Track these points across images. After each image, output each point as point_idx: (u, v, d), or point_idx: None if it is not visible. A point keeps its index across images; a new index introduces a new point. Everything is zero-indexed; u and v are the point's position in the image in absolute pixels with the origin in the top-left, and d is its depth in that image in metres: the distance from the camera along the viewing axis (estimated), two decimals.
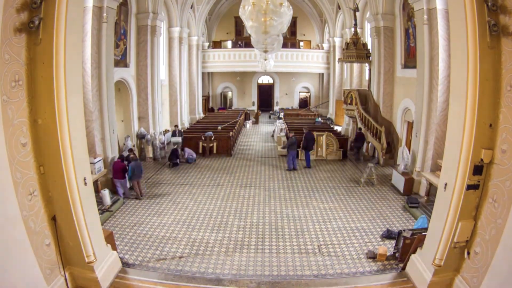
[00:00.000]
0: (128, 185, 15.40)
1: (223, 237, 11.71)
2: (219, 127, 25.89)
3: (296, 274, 9.63)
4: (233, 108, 45.49)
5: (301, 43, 42.70)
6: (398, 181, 16.13)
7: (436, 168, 14.60)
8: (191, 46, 34.03)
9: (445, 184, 7.93)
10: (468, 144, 7.16)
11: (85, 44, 13.84)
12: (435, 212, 8.57)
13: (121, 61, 19.25)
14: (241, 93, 46.36)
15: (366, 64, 24.23)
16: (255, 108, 45.46)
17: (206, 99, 41.91)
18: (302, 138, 20.65)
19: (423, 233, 9.23)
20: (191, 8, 30.85)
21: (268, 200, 15.19)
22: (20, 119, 6.66)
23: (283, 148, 21.50)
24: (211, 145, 23.03)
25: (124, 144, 19.04)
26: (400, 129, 20.03)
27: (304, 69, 39.38)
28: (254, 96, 46.28)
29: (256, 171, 19.79)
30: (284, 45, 33.80)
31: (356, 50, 22.69)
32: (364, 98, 23.51)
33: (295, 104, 45.82)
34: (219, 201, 14.99)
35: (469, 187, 7.36)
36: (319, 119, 33.10)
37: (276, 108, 44.54)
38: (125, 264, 9.86)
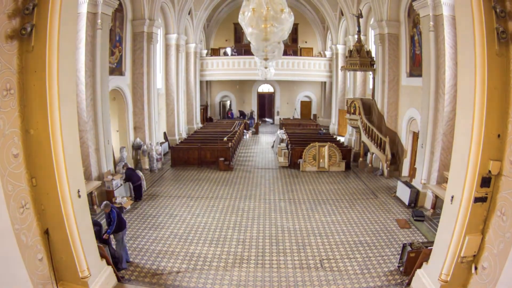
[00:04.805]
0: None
1: (222, 251, 11.46)
2: (225, 138, 25.54)
3: None
4: (233, 117, 45.25)
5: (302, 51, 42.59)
6: (403, 193, 15.84)
7: (442, 180, 14.37)
8: (189, 54, 33.69)
9: (452, 197, 7.78)
10: (475, 155, 7.01)
11: (79, 51, 13.66)
12: (441, 226, 8.41)
13: (116, 69, 18.96)
14: (241, 102, 46.06)
15: (370, 73, 23.95)
16: (255, 117, 45.18)
17: (204, 108, 41.58)
18: None
19: (429, 247, 9.00)
20: (188, 14, 30.56)
21: (269, 213, 14.93)
22: (11, 129, 6.50)
23: None
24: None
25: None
26: (405, 140, 19.79)
27: (305, 77, 38.94)
28: (254, 105, 46.05)
29: (256, 183, 19.55)
30: (285, 53, 33.62)
31: (359, 58, 22.39)
32: (368, 107, 23.25)
33: (297, 113, 45.52)
34: (218, 214, 14.75)
35: (477, 199, 7.19)
36: (322, 129, 32.95)
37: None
38: (121, 279, 9.60)
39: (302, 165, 21.92)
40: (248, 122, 39.30)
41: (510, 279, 6.51)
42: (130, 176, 15.85)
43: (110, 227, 10.17)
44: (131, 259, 10.77)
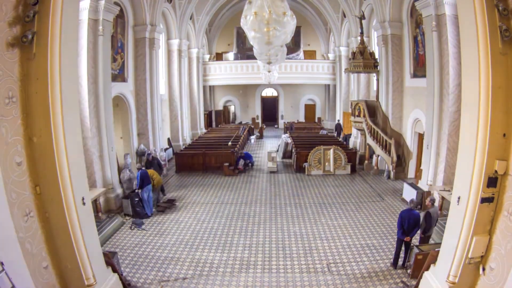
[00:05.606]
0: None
1: (228, 257, 11.40)
2: (229, 143, 25.50)
3: None
4: (236, 122, 45.11)
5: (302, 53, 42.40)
6: (409, 195, 15.70)
7: (448, 181, 14.24)
8: (191, 59, 33.75)
9: (458, 198, 7.65)
10: (481, 155, 6.90)
11: (81, 58, 13.59)
12: (448, 227, 8.29)
13: (118, 76, 18.89)
14: (244, 107, 46.08)
15: (374, 74, 23.87)
16: (259, 122, 45.07)
17: (208, 113, 41.49)
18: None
19: (436, 249, 8.91)
20: (190, 19, 30.54)
21: (275, 217, 14.85)
22: (14, 137, 6.45)
23: None
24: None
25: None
26: (411, 141, 19.71)
27: (309, 80, 38.97)
28: (258, 109, 46.00)
29: (261, 187, 19.48)
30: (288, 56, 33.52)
31: (363, 60, 22.24)
32: (373, 109, 23.14)
33: (301, 117, 45.41)
34: (223, 219, 14.69)
35: (483, 200, 7.07)
36: (325, 131, 32.89)
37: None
38: (127, 286, 9.54)
39: (308, 168, 21.83)
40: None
41: None
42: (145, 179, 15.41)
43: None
44: (136, 266, 10.77)
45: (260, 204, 16.46)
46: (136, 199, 14.77)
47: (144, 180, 15.07)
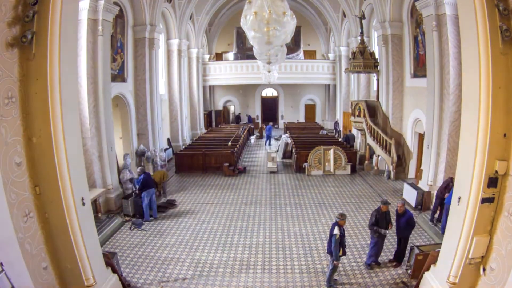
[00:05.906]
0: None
1: (228, 257, 11.38)
2: (229, 143, 25.48)
3: None
4: (240, 122, 44.93)
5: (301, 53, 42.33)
6: (410, 195, 15.70)
7: None
8: (191, 59, 33.75)
9: (459, 198, 7.66)
10: (482, 156, 6.91)
11: (80, 58, 13.57)
12: (448, 227, 8.32)
13: (118, 76, 18.82)
14: (244, 107, 45.99)
15: (374, 74, 23.84)
16: (259, 122, 44.97)
17: (208, 113, 41.41)
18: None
19: (436, 249, 8.90)
20: (190, 19, 30.51)
21: (275, 217, 14.82)
22: (14, 138, 6.44)
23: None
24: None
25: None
26: (411, 141, 19.68)
27: (309, 80, 38.95)
28: (257, 109, 45.95)
29: (261, 187, 19.45)
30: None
31: (363, 60, 22.22)
32: (373, 109, 23.11)
33: (301, 117, 45.34)
34: (223, 219, 14.66)
35: (484, 200, 7.08)
36: (325, 131, 32.88)
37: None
38: (127, 287, 9.52)
39: (308, 169, 21.81)
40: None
41: None
42: (147, 183, 15.06)
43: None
44: (136, 267, 10.76)
45: (260, 205, 16.44)
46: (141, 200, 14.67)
47: (147, 184, 14.82)
